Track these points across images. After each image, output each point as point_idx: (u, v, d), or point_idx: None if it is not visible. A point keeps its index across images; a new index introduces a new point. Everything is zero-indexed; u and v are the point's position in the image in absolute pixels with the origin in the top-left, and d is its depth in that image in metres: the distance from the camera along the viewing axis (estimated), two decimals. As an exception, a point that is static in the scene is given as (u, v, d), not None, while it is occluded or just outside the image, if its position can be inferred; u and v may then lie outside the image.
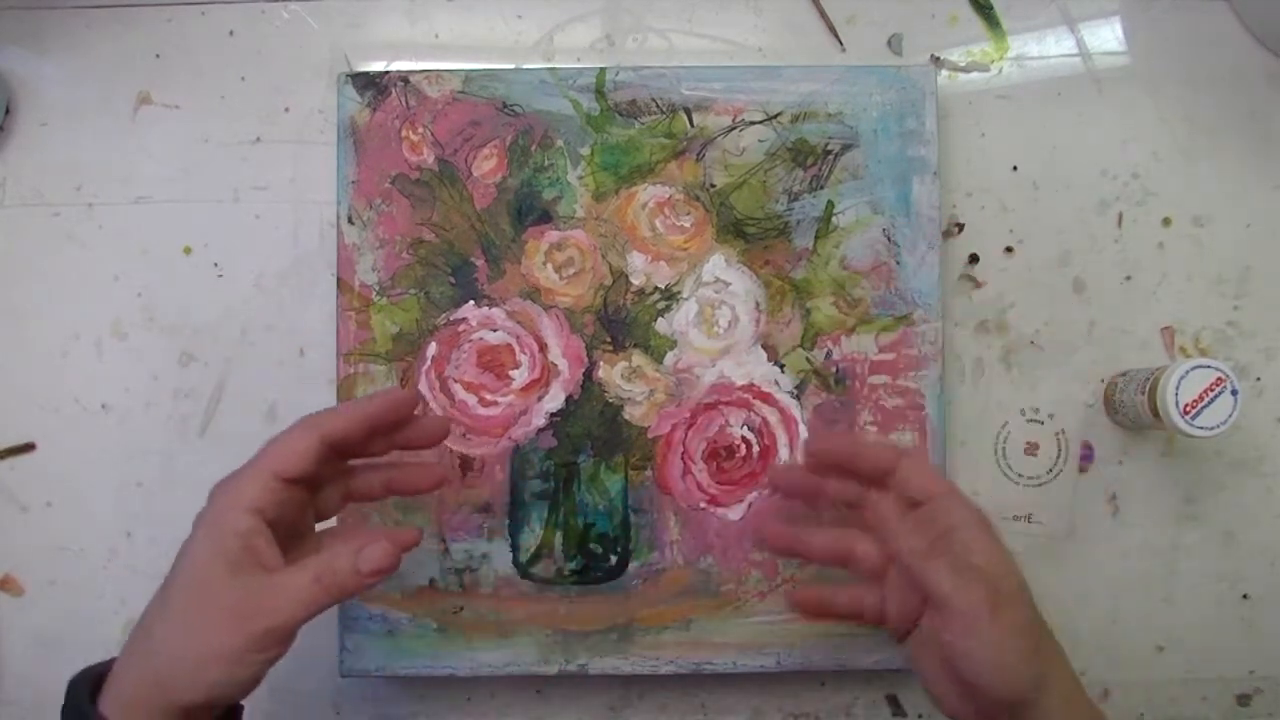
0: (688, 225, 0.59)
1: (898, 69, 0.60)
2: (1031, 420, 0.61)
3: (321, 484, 0.49)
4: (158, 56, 0.63)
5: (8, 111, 0.63)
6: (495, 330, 0.59)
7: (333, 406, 0.48)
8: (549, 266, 0.59)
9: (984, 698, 0.44)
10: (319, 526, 0.50)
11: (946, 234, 0.62)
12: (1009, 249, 0.62)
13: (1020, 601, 0.45)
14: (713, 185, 0.59)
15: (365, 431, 0.47)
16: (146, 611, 0.44)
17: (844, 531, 0.50)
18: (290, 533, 0.47)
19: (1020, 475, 0.61)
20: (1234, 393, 0.54)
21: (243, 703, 0.47)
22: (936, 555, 0.45)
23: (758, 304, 0.59)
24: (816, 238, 0.59)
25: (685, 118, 0.59)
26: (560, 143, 0.59)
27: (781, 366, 0.58)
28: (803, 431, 0.58)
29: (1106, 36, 0.63)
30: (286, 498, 0.45)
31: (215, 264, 0.62)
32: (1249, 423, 0.61)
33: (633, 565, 0.58)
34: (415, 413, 0.49)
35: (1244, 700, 0.61)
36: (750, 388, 0.58)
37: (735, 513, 0.58)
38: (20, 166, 0.63)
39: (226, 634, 0.42)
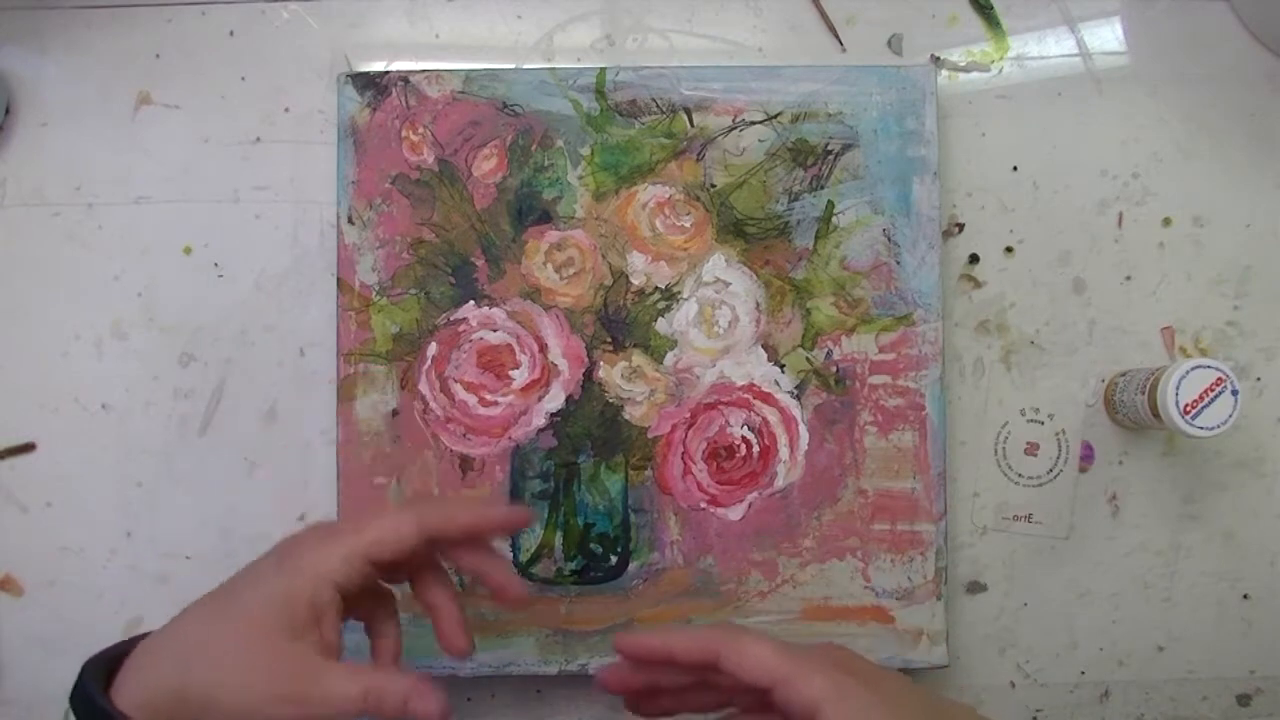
0: (688, 225, 0.59)
1: (898, 69, 0.60)
2: (1031, 420, 0.61)
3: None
4: (158, 56, 0.63)
5: (8, 111, 0.63)
6: (495, 330, 0.59)
7: (444, 502, 0.48)
8: (549, 266, 0.59)
9: None
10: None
11: (946, 234, 0.62)
12: (1009, 249, 0.62)
13: None
14: (713, 185, 0.59)
15: (469, 537, 0.47)
16: (189, 618, 0.43)
17: (715, 684, 0.45)
18: (355, 596, 0.46)
19: (1020, 475, 0.61)
20: (1234, 393, 0.54)
21: None
22: None
23: (758, 304, 0.59)
24: (816, 238, 0.59)
25: (685, 118, 0.59)
26: (560, 143, 0.59)
27: (782, 366, 0.58)
28: (803, 431, 0.58)
29: (1106, 36, 0.63)
30: (369, 575, 0.45)
31: (215, 264, 0.62)
32: (1249, 423, 0.61)
33: (633, 565, 0.58)
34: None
35: (1244, 700, 0.61)
36: (750, 388, 0.58)
37: (735, 513, 0.58)
38: (20, 166, 0.63)
39: (261, 700, 0.41)
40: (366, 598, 0.48)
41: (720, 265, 0.59)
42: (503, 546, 0.58)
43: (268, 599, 0.42)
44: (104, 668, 0.42)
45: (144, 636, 0.43)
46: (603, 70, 0.59)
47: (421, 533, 0.45)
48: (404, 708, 0.42)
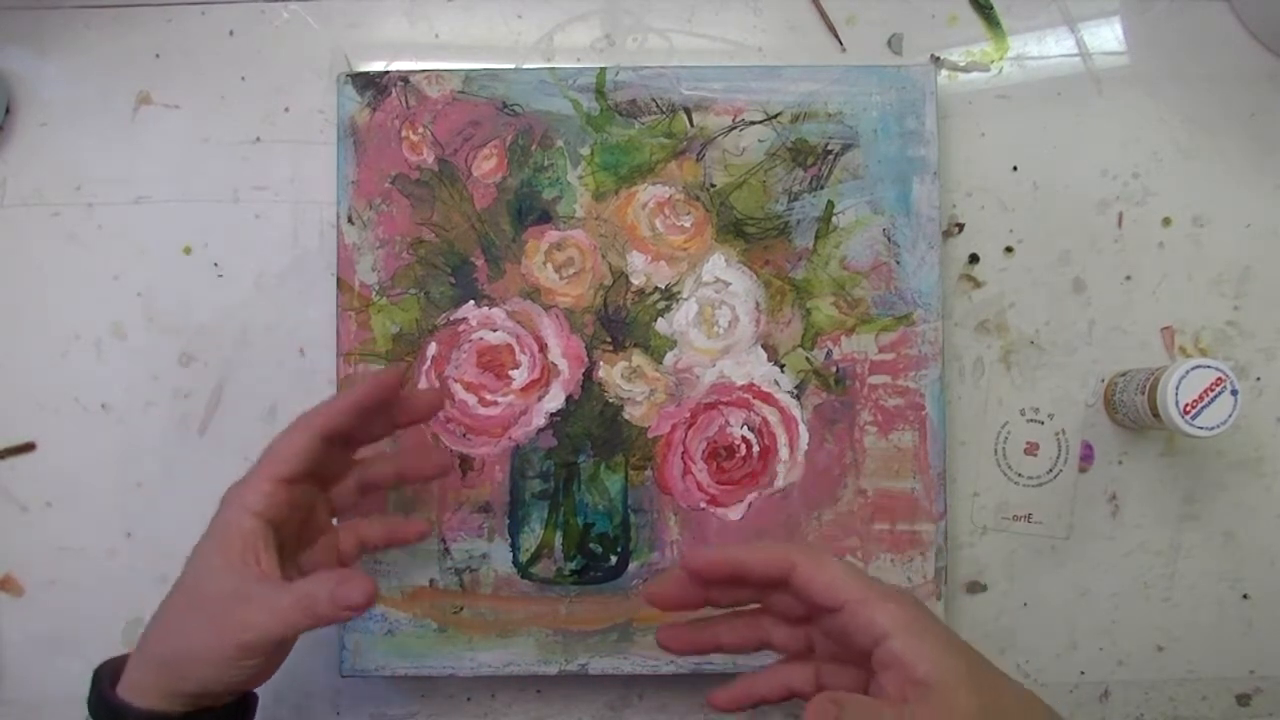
0: (688, 225, 0.59)
1: (898, 69, 0.60)
2: (1031, 420, 0.61)
3: (331, 479, 0.50)
4: (158, 56, 0.63)
5: (8, 111, 0.63)
6: (495, 330, 0.59)
7: (324, 400, 0.48)
8: (549, 266, 0.59)
9: None
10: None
11: (946, 234, 0.62)
12: (1009, 249, 0.62)
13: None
14: (713, 185, 0.59)
15: (358, 418, 0.48)
16: (161, 604, 0.46)
17: (754, 619, 0.45)
18: (304, 530, 0.48)
19: (1020, 475, 0.61)
20: (1234, 393, 0.54)
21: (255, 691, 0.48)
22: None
23: (758, 304, 0.59)
24: (816, 238, 0.59)
25: (685, 118, 0.59)
26: (560, 143, 0.59)
27: (781, 366, 0.58)
28: (803, 431, 0.58)
29: (1106, 36, 0.63)
30: (291, 498, 0.46)
31: (215, 264, 0.62)
32: (1249, 423, 0.61)
33: (633, 565, 0.58)
34: (404, 388, 0.50)
35: (1244, 700, 0.61)
36: (750, 388, 0.58)
37: (735, 513, 0.58)
38: (20, 166, 0.63)
39: (212, 637, 0.43)
40: (315, 529, 0.50)
41: (720, 265, 0.59)
42: (502, 546, 0.58)
43: (206, 545, 0.45)
44: (111, 673, 0.45)
45: None
46: (603, 70, 0.59)
47: (317, 435, 0.46)
48: (334, 602, 0.42)
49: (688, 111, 0.59)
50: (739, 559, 0.42)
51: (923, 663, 0.38)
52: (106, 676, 0.45)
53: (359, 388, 0.48)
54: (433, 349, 0.58)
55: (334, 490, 0.50)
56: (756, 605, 0.45)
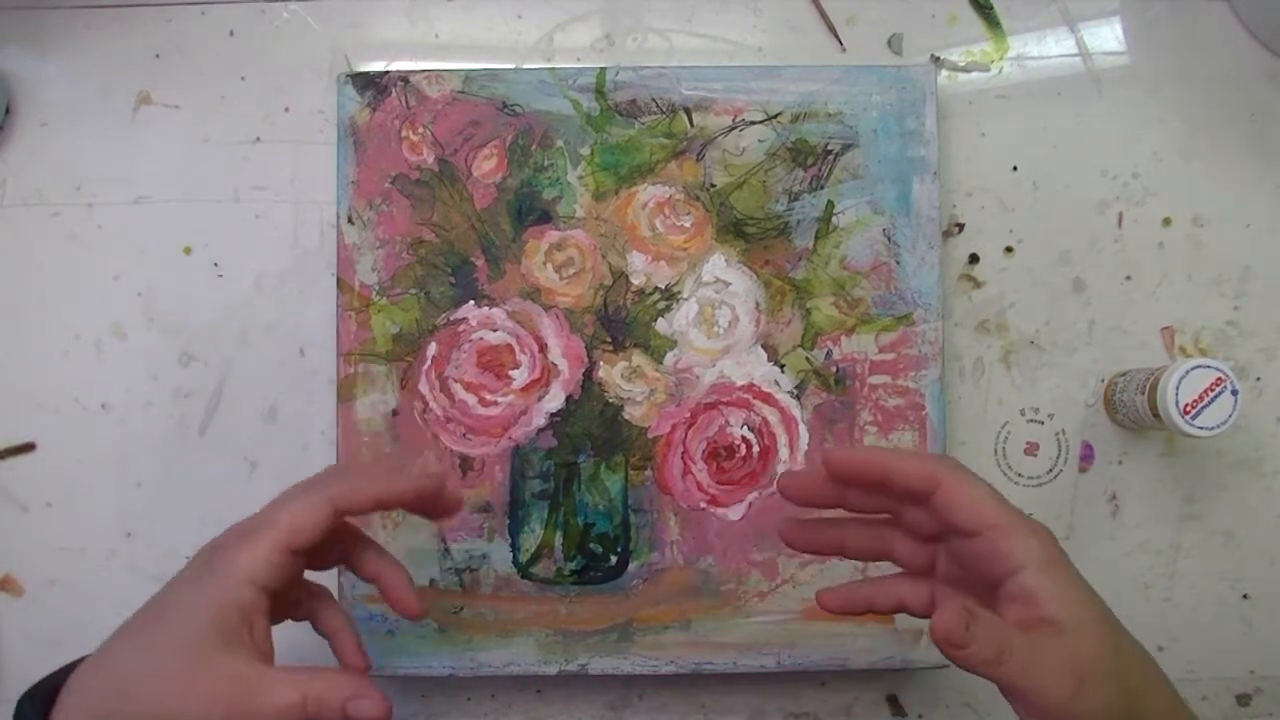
0: (688, 225, 0.59)
1: (898, 69, 0.60)
2: (1031, 420, 0.61)
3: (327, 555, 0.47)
4: (158, 56, 0.63)
5: (8, 111, 0.63)
6: (495, 330, 0.59)
7: (352, 472, 0.46)
8: (549, 266, 0.59)
9: None
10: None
11: (946, 234, 0.62)
12: (1009, 249, 0.62)
13: (1107, 671, 0.37)
14: (713, 185, 0.59)
15: (388, 507, 0.46)
16: (119, 641, 0.42)
17: (880, 528, 0.44)
18: (285, 590, 0.45)
19: (1020, 475, 0.61)
20: (1234, 393, 0.54)
21: None
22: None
23: (758, 304, 0.59)
24: (816, 238, 0.59)
25: (685, 118, 0.59)
26: (560, 143, 0.59)
27: (781, 366, 0.58)
28: (803, 431, 0.58)
29: (1106, 36, 0.63)
30: (296, 570, 0.43)
31: (215, 264, 0.62)
32: (1249, 423, 0.61)
33: (633, 565, 0.58)
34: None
35: (1244, 700, 0.61)
36: (750, 388, 0.58)
37: (735, 513, 0.58)
38: (20, 166, 0.63)
39: (191, 709, 0.39)
40: (299, 593, 0.47)
41: (720, 265, 0.59)
42: (502, 546, 0.58)
43: (194, 612, 0.41)
44: (42, 699, 0.41)
45: (79, 663, 0.42)
46: (603, 70, 0.59)
47: (335, 511, 0.43)
48: (344, 712, 0.41)
49: (688, 111, 0.59)
50: (885, 464, 0.40)
51: (1054, 602, 0.37)
52: (35, 708, 0.40)
53: (398, 484, 0.45)
54: (433, 349, 0.58)
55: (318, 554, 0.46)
56: (886, 516, 0.43)
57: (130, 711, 0.40)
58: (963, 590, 0.42)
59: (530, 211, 0.59)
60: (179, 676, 0.40)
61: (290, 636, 0.60)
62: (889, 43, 0.63)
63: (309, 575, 0.47)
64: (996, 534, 0.38)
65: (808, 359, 0.59)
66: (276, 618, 0.45)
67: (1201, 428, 0.54)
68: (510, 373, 0.59)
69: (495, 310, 0.59)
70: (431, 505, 0.48)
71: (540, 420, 0.58)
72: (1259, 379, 0.61)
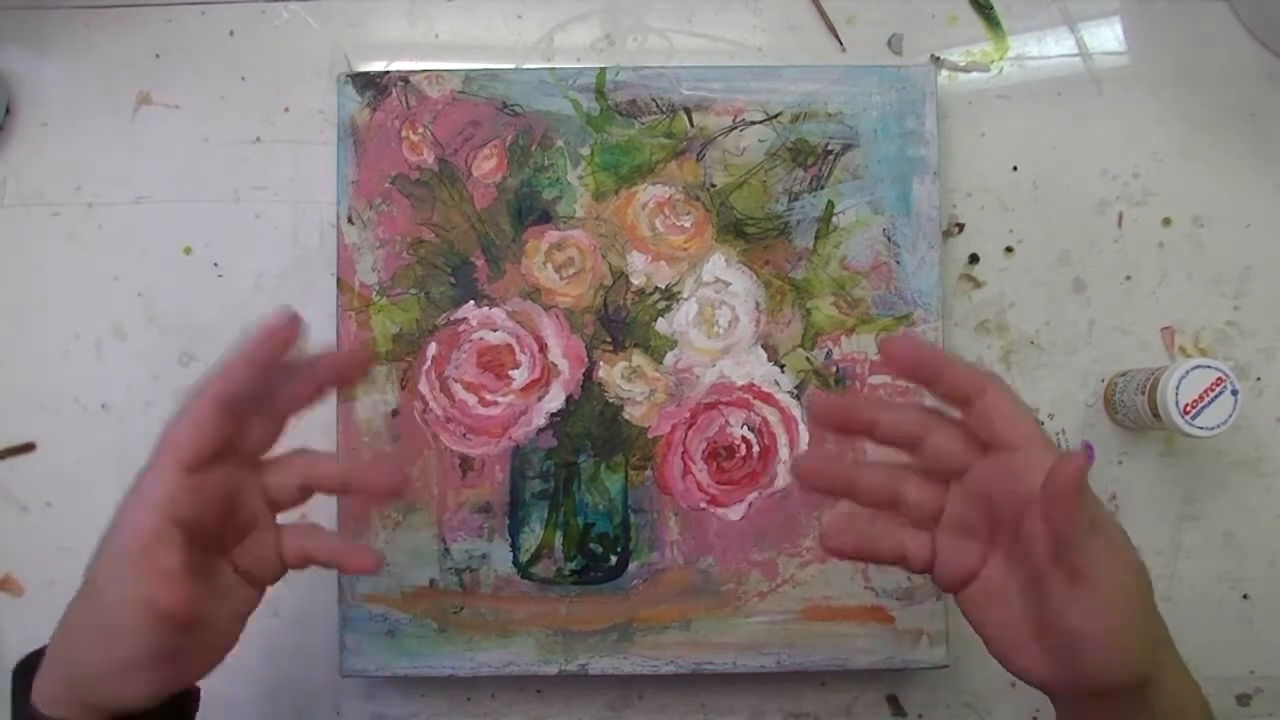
0: (688, 225, 0.59)
1: (898, 69, 0.60)
2: (1031, 420, 0.61)
3: (256, 454, 0.43)
4: (158, 56, 0.63)
5: (8, 111, 0.63)
6: (495, 330, 0.59)
7: (217, 363, 0.41)
8: (549, 266, 0.59)
9: (1094, 678, 0.39)
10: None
11: (946, 234, 0.62)
12: (1009, 249, 0.62)
13: (1148, 585, 0.40)
14: (713, 185, 0.59)
15: (258, 378, 0.40)
16: (67, 607, 0.41)
17: (894, 470, 0.43)
18: (231, 520, 0.42)
19: (1020, 475, 0.61)
20: (1234, 393, 0.54)
21: (200, 686, 0.44)
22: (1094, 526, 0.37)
23: (758, 304, 0.59)
24: (816, 238, 0.59)
25: (685, 118, 0.59)
26: (560, 143, 0.59)
27: (781, 366, 0.58)
28: (803, 431, 0.58)
29: (1106, 36, 0.63)
30: (201, 486, 0.39)
31: (215, 264, 0.62)
32: (1249, 423, 0.61)
33: (633, 565, 0.58)
34: (298, 331, 0.41)
35: (1244, 700, 0.61)
36: (750, 388, 0.58)
37: (735, 513, 0.58)
38: (20, 166, 0.63)
39: (103, 653, 0.38)
40: (235, 525, 0.42)
41: (720, 265, 0.59)
42: (502, 546, 0.58)
43: (103, 553, 0.40)
44: (33, 668, 0.41)
45: None
46: (603, 70, 0.59)
47: (211, 407, 0.39)
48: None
49: (688, 111, 0.59)
50: (940, 358, 0.41)
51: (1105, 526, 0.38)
52: (23, 675, 0.41)
53: (247, 341, 0.40)
54: (433, 349, 0.58)
55: (271, 480, 0.43)
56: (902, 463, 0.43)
57: (77, 669, 0.40)
58: (966, 541, 0.42)
59: (530, 211, 0.59)
60: (90, 610, 0.40)
61: (292, 637, 0.60)
62: (889, 43, 0.63)
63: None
64: (1034, 448, 0.39)
65: (808, 359, 0.58)
66: (232, 538, 0.42)
67: (1201, 428, 0.54)
68: (510, 373, 0.59)
69: (495, 310, 0.59)
70: (335, 365, 0.43)
71: (540, 420, 0.58)
72: (1259, 379, 0.61)
